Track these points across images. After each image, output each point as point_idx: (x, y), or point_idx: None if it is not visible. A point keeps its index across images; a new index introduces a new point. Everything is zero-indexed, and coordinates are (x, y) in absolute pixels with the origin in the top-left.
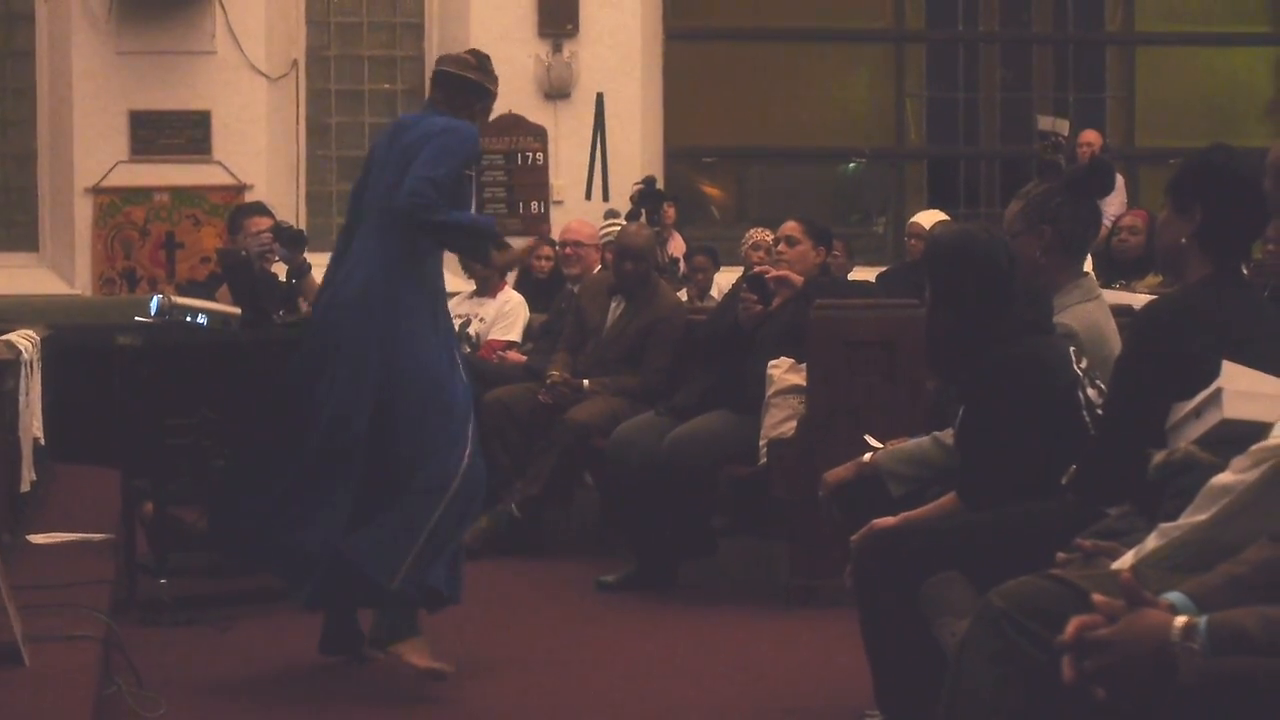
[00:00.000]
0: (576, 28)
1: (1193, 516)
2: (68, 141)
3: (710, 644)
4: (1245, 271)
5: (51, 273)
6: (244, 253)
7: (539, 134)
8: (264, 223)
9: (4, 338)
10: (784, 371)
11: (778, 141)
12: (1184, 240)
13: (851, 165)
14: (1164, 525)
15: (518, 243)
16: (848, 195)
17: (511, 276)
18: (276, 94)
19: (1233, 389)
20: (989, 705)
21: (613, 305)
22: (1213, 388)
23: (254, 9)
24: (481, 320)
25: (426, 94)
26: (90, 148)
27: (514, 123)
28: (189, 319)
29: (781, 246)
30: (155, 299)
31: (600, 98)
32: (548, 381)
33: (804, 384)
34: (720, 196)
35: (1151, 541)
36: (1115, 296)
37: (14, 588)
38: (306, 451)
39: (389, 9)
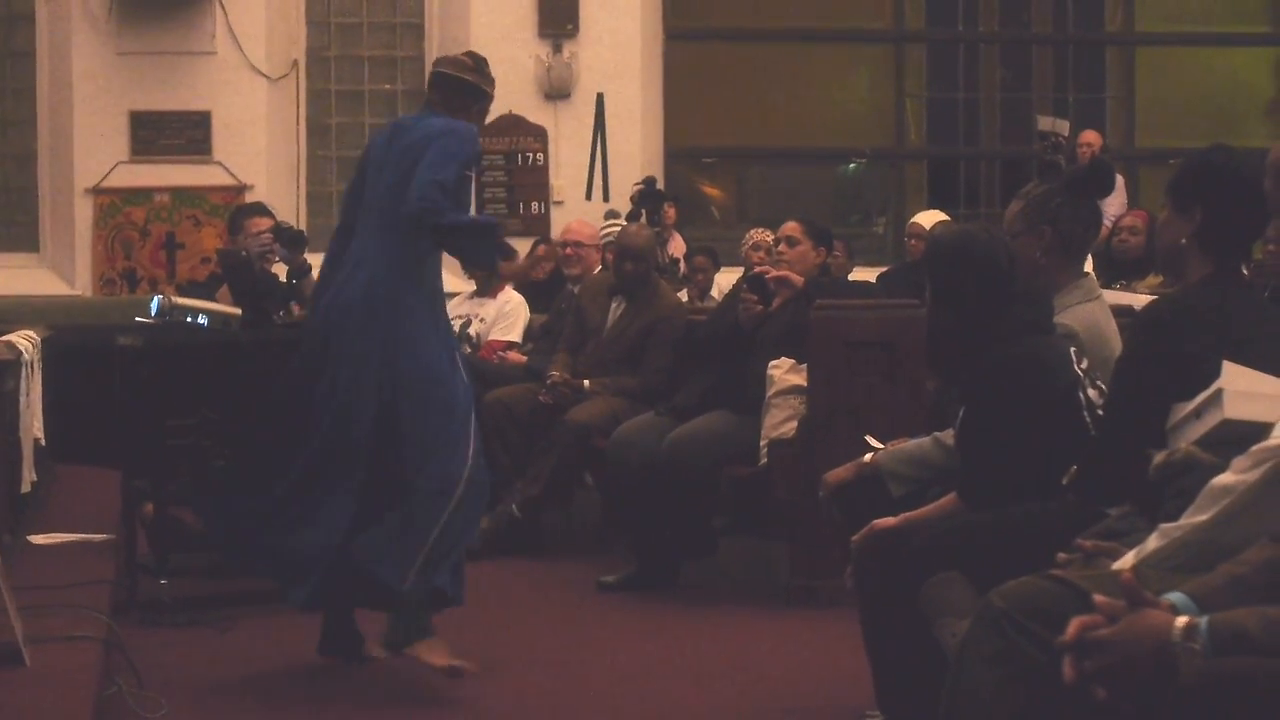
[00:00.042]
0: (576, 28)
1: (1193, 517)
2: (68, 142)
3: (711, 644)
4: (1246, 272)
5: (52, 273)
6: (244, 253)
7: (539, 134)
8: (264, 223)
9: (4, 338)
10: (784, 372)
11: (778, 142)
12: (1184, 241)
13: (852, 165)
14: (1165, 526)
15: (520, 246)
16: (848, 195)
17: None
18: (277, 94)
19: (1233, 389)
20: (989, 705)
21: (613, 306)
22: (1213, 388)
23: (254, 10)
24: (482, 320)
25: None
26: (90, 148)
27: (514, 123)
28: (189, 319)
29: (782, 247)
30: (156, 299)
31: (600, 98)
32: (548, 382)
33: (804, 384)
34: (720, 197)
35: (1152, 542)
36: (1116, 297)
37: (15, 588)
38: (308, 452)
39: (389, 9)
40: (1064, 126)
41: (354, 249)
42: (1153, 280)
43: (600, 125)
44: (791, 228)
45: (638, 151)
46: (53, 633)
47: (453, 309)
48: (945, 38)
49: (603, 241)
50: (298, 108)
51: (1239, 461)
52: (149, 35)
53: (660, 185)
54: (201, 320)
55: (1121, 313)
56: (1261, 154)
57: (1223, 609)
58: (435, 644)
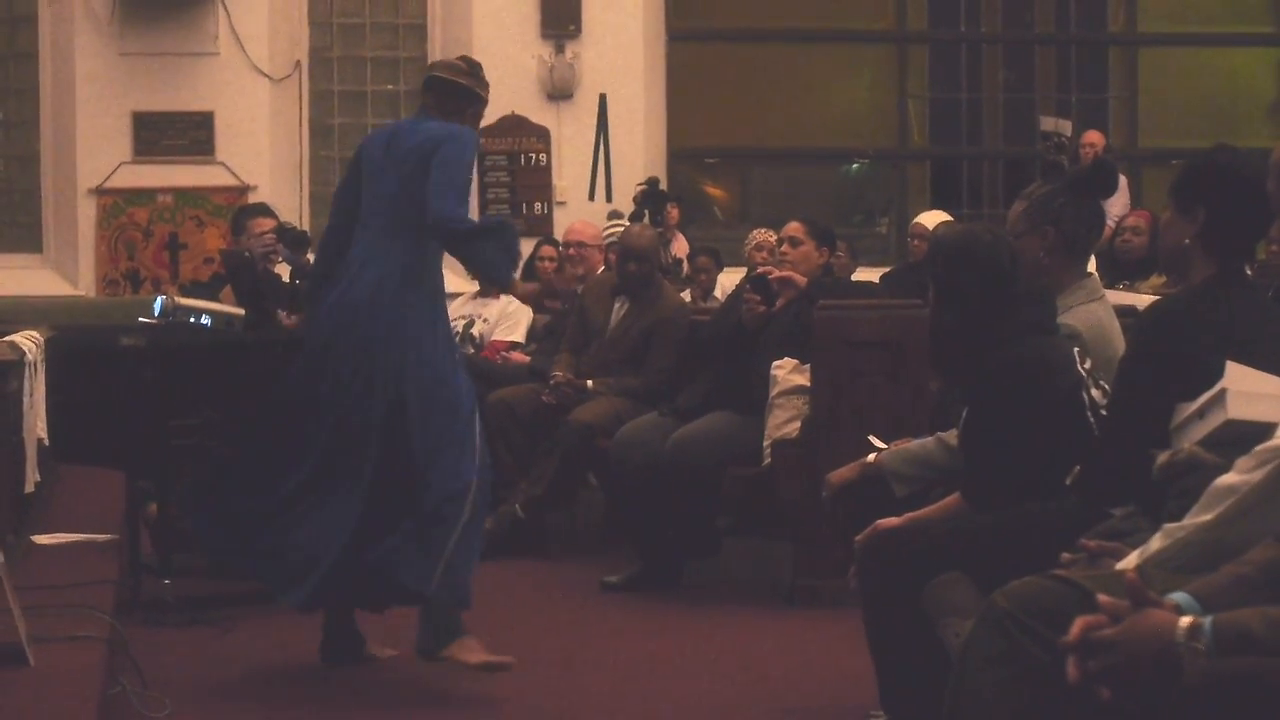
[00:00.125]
0: (579, 29)
1: (1197, 517)
2: (71, 143)
3: (714, 644)
4: (1249, 272)
5: (55, 274)
6: (247, 254)
7: (542, 135)
8: (267, 224)
9: (8, 339)
10: (787, 372)
11: (781, 142)
12: (1187, 241)
13: (854, 166)
14: (1168, 526)
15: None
16: (851, 196)
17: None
18: (279, 95)
19: (1237, 390)
20: (993, 706)
21: (616, 306)
22: (1217, 388)
23: (257, 10)
24: (485, 321)
25: None
26: (93, 149)
27: (517, 124)
28: (192, 320)
29: (785, 247)
30: (159, 300)
31: (603, 99)
32: (551, 382)
33: (807, 385)
34: (723, 197)
35: (1156, 542)
36: (1119, 297)
37: (18, 588)
38: (313, 451)
39: (392, 10)
40: (1067, 127)
41: (358, 250)
42: (1156, 280)
43: (603, 126)
44: (794, 228)
45: (640, 152)
46: (56, 633)
47: (456, 309)
48: (948, 38)
49: (606, 242)
50: (300, 108)
51: (1243, 462)
52: (152, 36)
53: (663, 186)
54: (204, 321)
55: (1125, 313)
56: (1264, 154)
57: (1227, 609)
58: (469, 642)
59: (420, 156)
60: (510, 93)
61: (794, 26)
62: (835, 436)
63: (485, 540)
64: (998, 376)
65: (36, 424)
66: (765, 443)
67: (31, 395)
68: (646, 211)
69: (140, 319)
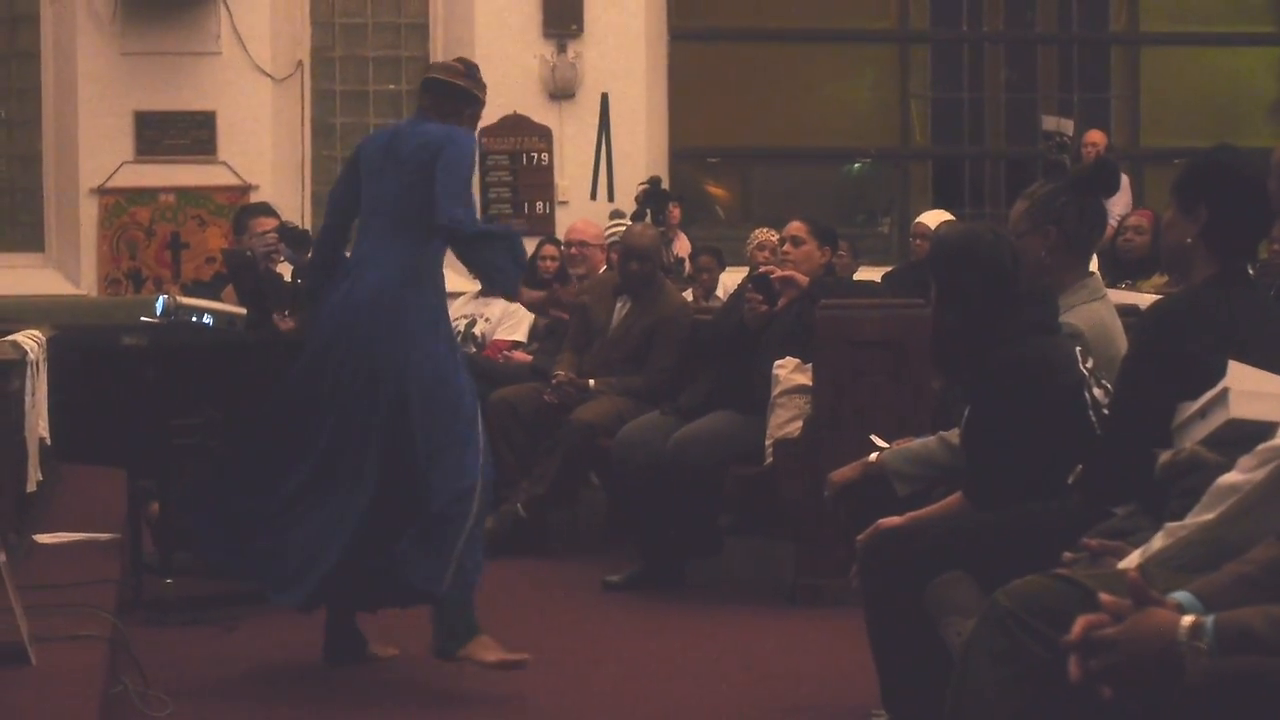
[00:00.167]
0: (581, 28)
1: (1199, 516)
2: (73, 142)
3: (716, 643)
4: (1251, 271)
5: (57, 273)
6: (249, 253)
7: (544, 134)
8: (269, 223)
9: (10, 338)
10: (789, 371)
11: (783, 142)
12: (1189, 240)
13: (856, 165)
14: (1170, 525)
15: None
16: (853, 195)
17: None
18: (281, 95)
19: (1239, 389)
20: (994, 705)
21: (618, 305)
22: (1219, 387)
23: (259, 10)
24: (487, 320)
25: None
26: (95, 148)
27: (519, 123)
28: (194, 319)
29: (786, 247)
30: (160, 299)
31: (605, 98)
32: (553, 381)
33: (809, 384)
34: (725, 196)
35: (1158, 541)
36: (1121, 296)
37: (20, 587)
38: (316, 451)
39: (394, 10)
40: (1069, 126)
41: (359, 251)
42: (1158, 280)
43: (605, 125)
44: (796, 227)
45: (642, 151)
46: (58, 632)
47: (458, 309)
48: (950, 38)
49: (608, 241)
50: (302, 108)
51: (1245, 460)
52: (154, 36)
53: (665, 185)
54: (206, 320)
55: (1127, 312)
56: (1266, 153)
57: (1229, 608)
58: (485, 641)
59: (422, 159)
60: (512, 92)
61: (796, 26)
62: (837, 436)
63: (487, 539)
64: (1000, 376)
65: (38, 423)
66: (767, 442)
67: (33, 394)
68: (648, 211)
69: (142, 318)
